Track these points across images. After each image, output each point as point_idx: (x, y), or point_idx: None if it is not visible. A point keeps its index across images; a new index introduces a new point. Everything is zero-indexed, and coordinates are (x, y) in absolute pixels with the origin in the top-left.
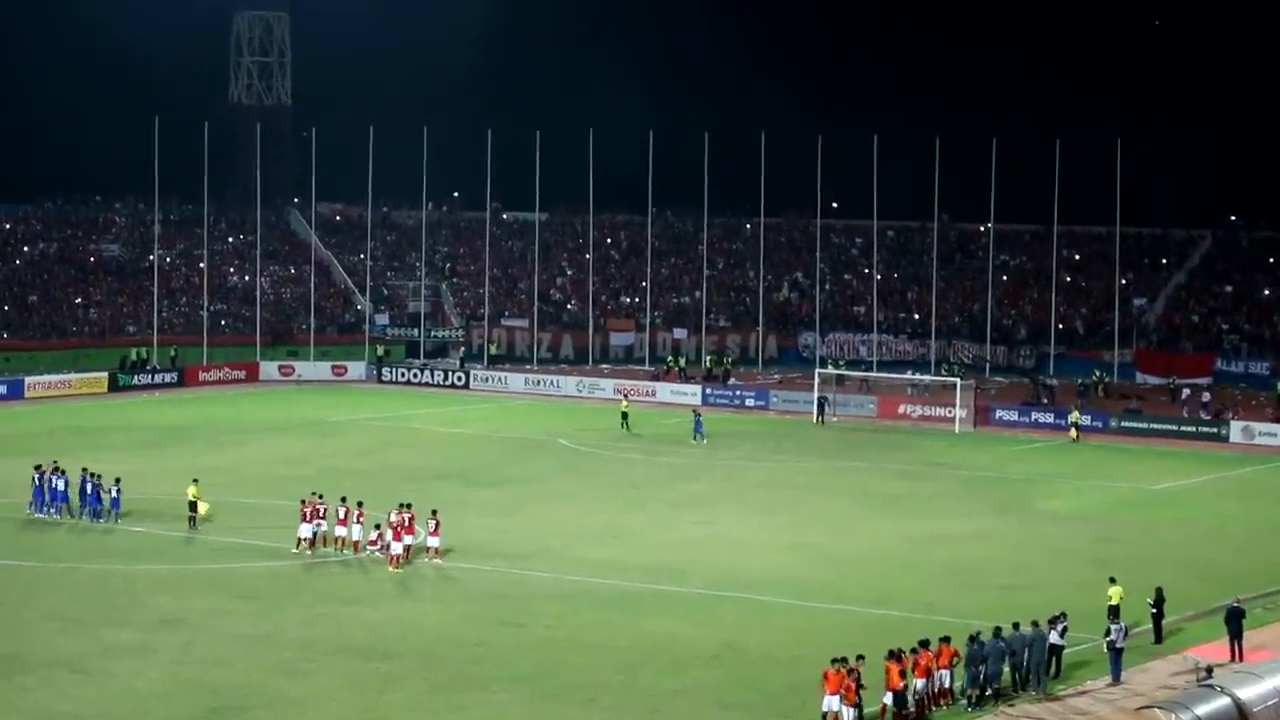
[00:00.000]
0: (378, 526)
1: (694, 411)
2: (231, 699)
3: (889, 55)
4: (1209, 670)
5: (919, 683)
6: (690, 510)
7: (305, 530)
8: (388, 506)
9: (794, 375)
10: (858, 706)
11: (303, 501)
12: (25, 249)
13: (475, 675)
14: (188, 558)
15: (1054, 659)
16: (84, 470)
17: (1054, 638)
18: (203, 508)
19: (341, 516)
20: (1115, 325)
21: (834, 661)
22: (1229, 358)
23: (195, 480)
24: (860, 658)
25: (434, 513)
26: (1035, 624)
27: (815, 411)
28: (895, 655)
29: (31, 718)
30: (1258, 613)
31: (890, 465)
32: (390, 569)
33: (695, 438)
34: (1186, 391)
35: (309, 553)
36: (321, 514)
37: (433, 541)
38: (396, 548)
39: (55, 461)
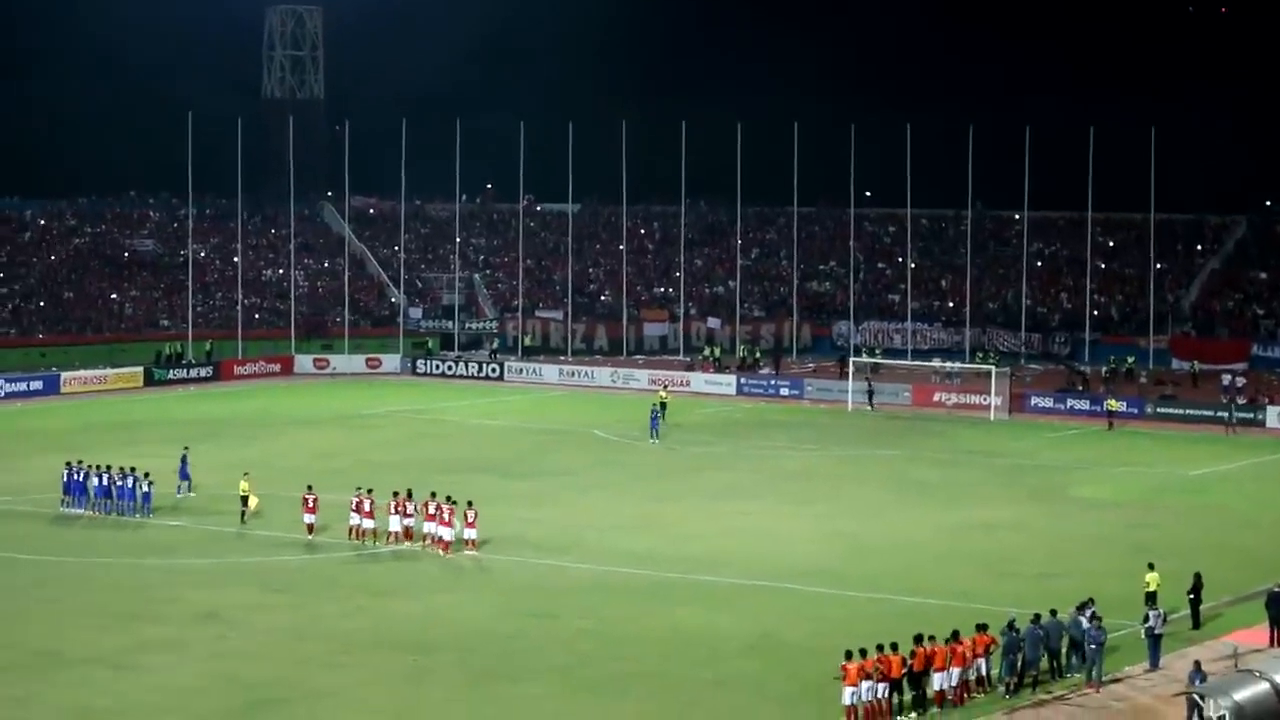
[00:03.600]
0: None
1: (654, 405)
2: (268, 693)
3: (922, 44)
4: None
5: (956, 671)
6: (725, 501)
7: (309, 518)
8: (421, 498)
9: (829, 364)
10: (890, 683)
11: (310, 488)
12: (60, 245)
13: (511, 668)
14: (223, 552)
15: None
16: (122, 468)
17: (1084, 624)
18: (253, 502)
19: (368, 509)
20: (1150, 311)
21: (848, 655)
22: (1265, 343)
23: (246, 474)
24: (894, 646)
25: (470, 504)
26: (1093, 615)
27: (866, 398)
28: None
29: (70, 713)
30: None
31: (925, 453)
32: (444, 554)
33: (652, 436)
34: (1227, 378)
35: (311, 537)
36: (355, 506)
37: (469, 533)
38: (447, 534)
39: (98, 464)
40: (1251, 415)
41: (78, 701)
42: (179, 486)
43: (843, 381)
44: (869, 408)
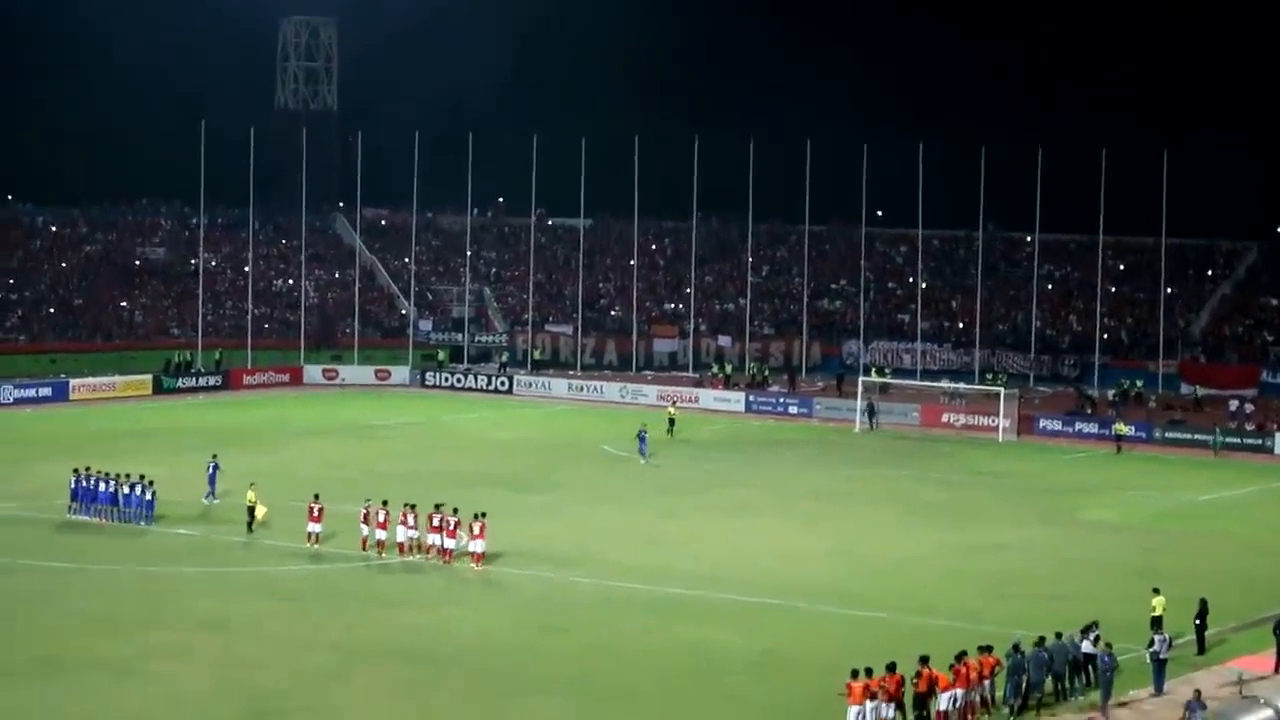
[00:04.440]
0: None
1: (641, 427)
2: (273, 703)
3: (935, 64)
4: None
5: (960, 692)
6: (733, 517)
7: (314, 527)
8: (426, 509)
9: (835, 382)
10: (898, 706)
11: (316, 496)
12: (71, 252)
13: (517, 681)
14: (229, 560)
15: (1089, 667)
16: (128, 476)
17: (1086, 646)
18: (260, 511)
19: (383, 519)
20: (1160, 336)
21: (854, 674)
22: (1274, 370)
23: (253, 484)
24: (892, 667)
25: (475, 516)
26: (1097, 638)
27: (866, 417)
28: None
29: None
30: None
31: (933, 474)
32: (445, 563)
33: (642, 456)
34: (1234, 403)
35: (317, 546)
36: (363, 517)
37: (476, 545)
38: (450, 544)
39: (103, 471)
40: (1260, 442)
41: (81, 709)
42: (207, 494)
43: (852, 400)
44: (869, 427)
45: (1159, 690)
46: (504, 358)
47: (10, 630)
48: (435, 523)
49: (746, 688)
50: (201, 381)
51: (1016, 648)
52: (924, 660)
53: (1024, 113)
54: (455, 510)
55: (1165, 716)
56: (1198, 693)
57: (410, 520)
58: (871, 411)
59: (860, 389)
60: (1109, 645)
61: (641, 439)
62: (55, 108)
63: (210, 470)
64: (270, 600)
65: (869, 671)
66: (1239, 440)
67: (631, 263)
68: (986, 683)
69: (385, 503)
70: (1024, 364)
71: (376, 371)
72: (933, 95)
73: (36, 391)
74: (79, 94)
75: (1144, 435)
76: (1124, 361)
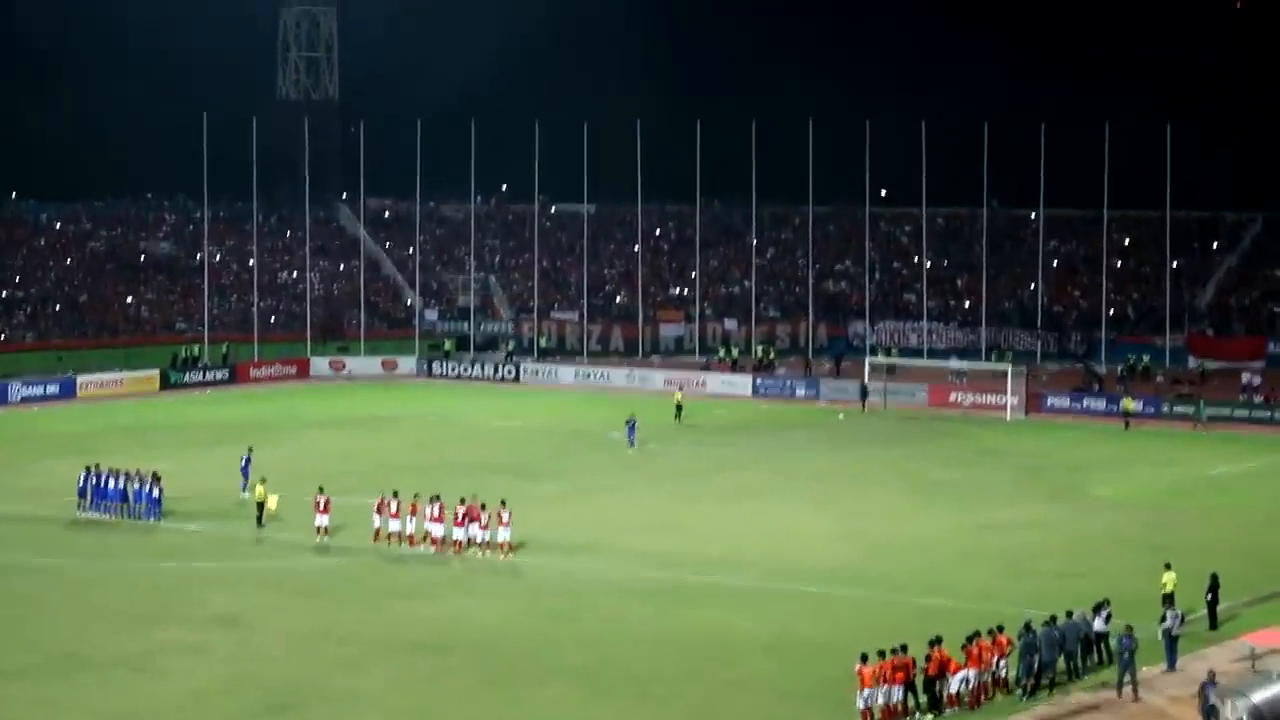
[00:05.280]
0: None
1: (630, 418)
2: (288, 696)
3: (936, 41)
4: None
5: (972, 673)
6: (743, 501)
7: (321, 520)
8: (427, 500)
9: (844, 364)
10: (909, 688)
11: (320, 489)
12: (76, 248)
13: (530, 669)
14: (242, 555)
15: (1100, 645)
16: (139, 471)
17: (1098, 624)
18: (271, 503)
19: (394, 510)
20: (1167, 310)
21: (864, 658)
22: None
23: (263, 479)
24: (903, 648)
25: (502, 503)
26: (1109, 616)
27: (860, 399)
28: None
29: (90, 716)
30: None
31: (942, 454)
32: (453, 553)
33: (630, 445)
34: (1246, 376)
35: (325, 539)
36: (377, 508)
37: (503, 534)
38: (459, 534)
39: (114, 467)
40: (1269, 415)
41: (98, 705)
42: (243, 485)
43: (858, 381)
44: (881, 406)
45: (1171, 667)
46: (510, 346)
47: (28, 628)
48: (436, 513)
49: (761, 671)
50: (209, 376)
51: (1028, 627)
52: (935, 642)
53: (1025, 88)
54: (462, 500)
55: (1178, 693)
56: (1211, 673)
57: (424, 511)
58: (864, 393)
59: (866, 369)
60: (1129, 626)
61: (630, 427)
62: (56, 104)
63: (244, 463)
64: (283, 594)
65: (882, 654)
66: (1247, 413)
67: (636, 248)
68: (999, 663)
69: (395, 493)
70: (1030, 341)
71: (383, 362)
72: (934, 73)
73: (44, 389)
74: (80, 89)
75: (1152, 410)
76: (1131, 337)
